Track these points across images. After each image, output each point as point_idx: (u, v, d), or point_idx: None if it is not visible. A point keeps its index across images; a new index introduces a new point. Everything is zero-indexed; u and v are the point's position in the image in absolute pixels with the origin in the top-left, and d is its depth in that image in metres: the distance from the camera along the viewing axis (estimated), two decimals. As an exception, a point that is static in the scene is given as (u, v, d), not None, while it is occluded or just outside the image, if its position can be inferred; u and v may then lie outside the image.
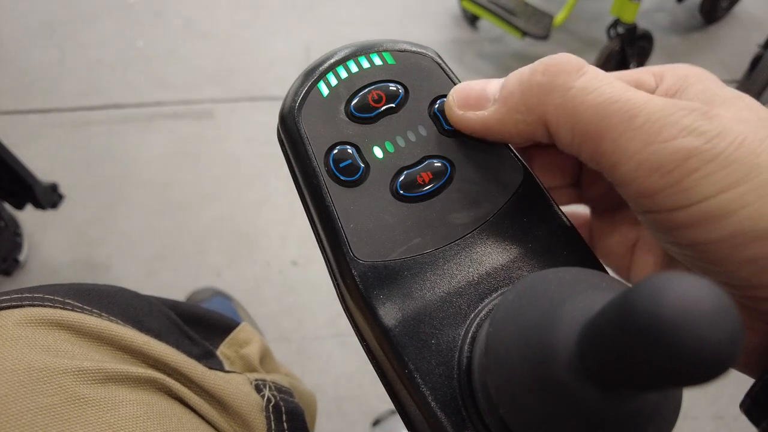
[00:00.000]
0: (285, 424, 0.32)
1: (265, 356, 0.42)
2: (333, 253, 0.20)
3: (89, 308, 0.29)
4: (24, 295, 0.27)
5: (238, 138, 1.27)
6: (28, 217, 1.08)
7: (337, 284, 0.21)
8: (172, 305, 0.36)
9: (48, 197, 0.87)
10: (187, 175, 1.21)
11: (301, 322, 0.99)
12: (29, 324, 0.25)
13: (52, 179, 1.22)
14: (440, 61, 0.23)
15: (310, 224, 0.22)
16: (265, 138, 1.26)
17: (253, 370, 0.38)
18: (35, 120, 1.33)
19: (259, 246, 1.08)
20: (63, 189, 1.18)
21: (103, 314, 0.29)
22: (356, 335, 0.21)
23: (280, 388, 0.36)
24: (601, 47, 1.31)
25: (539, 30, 1.26)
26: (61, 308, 0.27)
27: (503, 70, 1.33)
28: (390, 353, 0.18)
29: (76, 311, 0.28)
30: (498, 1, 1.34)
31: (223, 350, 0.38)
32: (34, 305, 0.27)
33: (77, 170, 1.22)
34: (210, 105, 1.35)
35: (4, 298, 0.27)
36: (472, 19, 1.52)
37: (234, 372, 0.35)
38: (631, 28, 1.23)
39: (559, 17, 1.32)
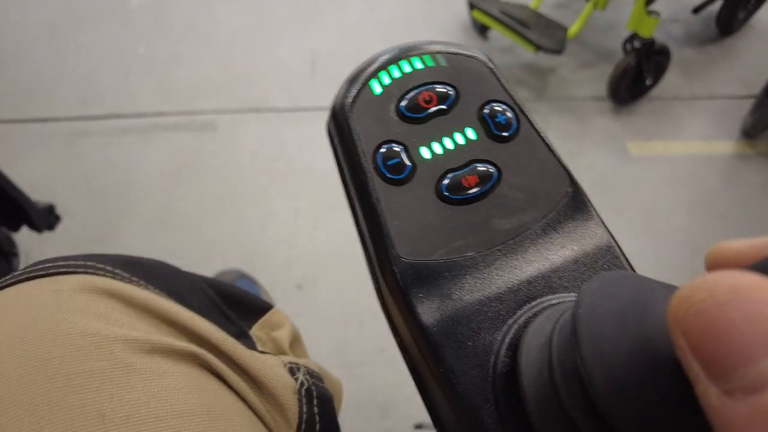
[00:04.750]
0: (315, 408, 0.33)
1: (295, 341, 0.43)
2: (375, 249, 0.20)
3: (136, 279, 0.29)
4: (79, 263, 0.28)
5: (241, 152, 1.23)
6: (24, 232, 1.05)
7: (376, 280, 0.21)
8: (211, 283, 0.37)
9: (44, 219, 0.84)
10: (188, 191, 1.17)
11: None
12: (84, 291, 0.26)
13: (49, 192, 1.19)
14: (492, 66, 0.23)
15: (354, 220, 0.22)
16: (269, 153, 1.23)
17: (283, 353, 0.39)
18: (33, 129, 1.30)
19: (263, 267, 1.05)
20: (60, 203, 1.15)
21: (149, 286, 0.30)
22: (391, 331, 0.21)
23: (312, 373, 0.36)
24: (617, 61, 1.27)
25: (553, 44, 1.22)
26: (111, 278, 0.28)
27: (514, 83, 1.29)
28: (426, 351, 0.18)
29: (125, 282, 0.28)
30: (510, 11, 1.30)
31: (255, 331, 0.39)
32: (87, 273, 0.28)
33: (75, 183, 1.19)
34: (212, 116, 1.31)
35: (61, 263, 0.28)
36: (482, 29, 1.48)
37: (268, 353, 0.35)
38: (649, 43, 1.19)
39: (573, 29, 1.29)
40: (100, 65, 1.45)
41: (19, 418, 0.21)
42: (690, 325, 0.10)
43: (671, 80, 1.36)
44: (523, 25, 1.26)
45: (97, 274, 0.28)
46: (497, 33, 1.43)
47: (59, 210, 1.09)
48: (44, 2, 1.65)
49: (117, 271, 0.29)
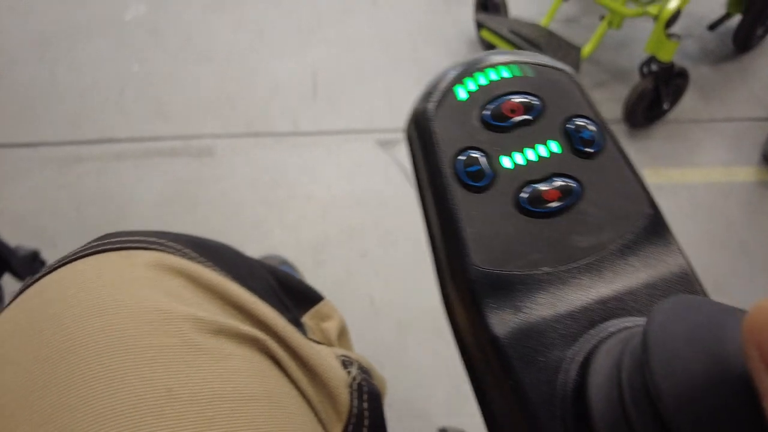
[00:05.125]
0: (365, 404, 0.33)
1: (342, 334, 0.43)
2: (448, 255, 0.20)
3: (204, 260, 0.29)
4: (151, 239, 0.29)
5: (239, 180, 1.18)
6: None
7: (445, 286, 0.21)
8: (270, 270, 0.37)
9: (27, 267, 0.78)
10: (184, 223, 1.12)
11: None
12: (156, 267, 0.26)
13: (37, 224, 1.13)
14: (578, 81, 0.22)
15: (426, 225, 0.22)
16: (268, 180, 1.17)
17: (331, 344, 0.39)
18: (23, 155, 1.24)
19: (263, 307, 0.99)
20: (49, 235, 1.10)
21: (216, 268, 0.30)
22: (455, 339, 0.21)
23: (363, 368, 0.36)
24: (631, 81, 1.22)
25: (567, 65, 1.17)
26: (182, 257, 0.28)
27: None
28: (495, 362, 0.18)
29: (195, 262, 0.29)
30: (520, 30, 1.24)
31: (306, 320, 0.39)
32: (159, 250, 0.28)
33: (66, 213, 1.13)
34: (210, 141, 1.25)
35: (135, 239, 0.28)
36: (489, 48, 1.42)
37: (322, 344, 0.35)
38: (668, 67, 1.13)
39: (587, 48, 1.23)
40: (93, 84, 1.39)
41: (98, 382, 0.21)
42: (766, 337, 0.10)
43: (688, 101, 1.30)
44: (534, 45, 1.20)
45: (169, 252, 0.28)
46: (506, 51, 1.37)
47: (47, 242, 1.04)
48: (36, 15, 1.60)
49: (187, 250, 0.29)
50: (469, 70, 0.22)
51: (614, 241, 0.20)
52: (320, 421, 0.29)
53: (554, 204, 0.20)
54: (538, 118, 0.21)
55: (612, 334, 0.18)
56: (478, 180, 0.20)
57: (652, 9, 1.10)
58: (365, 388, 0.33)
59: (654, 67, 1.15)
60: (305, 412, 0.28)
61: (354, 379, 0.33)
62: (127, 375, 0.22)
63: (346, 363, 0.34)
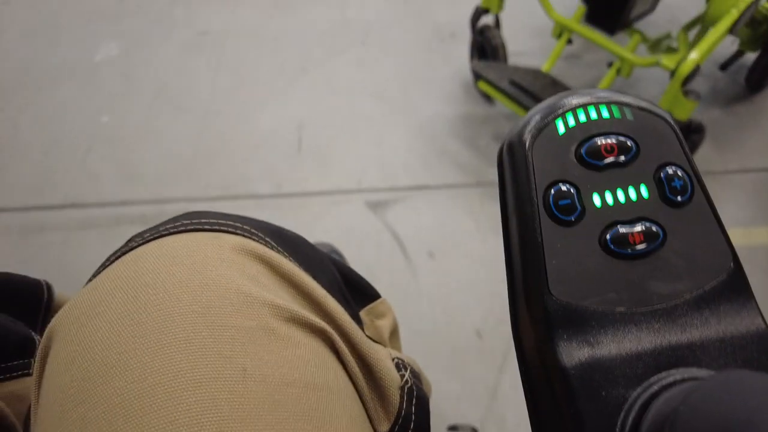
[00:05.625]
0: (413, 408, 0.33)
1: (394, 333, 0.44)
2: (526, 282, 0.21)
3: (282, 249, 0.31)
4: (237, 224, 0.30)
5: (217, 252, 1.08)
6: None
7: (516, 311, 0.22)
8: (336, 264, 0.38)
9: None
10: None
11: None
12: (241, 252, 0.28)
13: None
14: (676, 129, 0.23)
15: (505, 247, 0.23)
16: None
17: (383, 341, 0.40)
18: (-22, 224, 1.13)
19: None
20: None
21: (292, 259, 0.31)
22: (519, 363, 0.21)
23: (414, 373, 0.36)
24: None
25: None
26: (264, 245, 0.30)
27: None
28: (559, 391, 0.19)
29: (274, 250, 0.30)
30: (520, 81, 1.14)
31: (362, 315, 0.40)
32: (245, 236, 0.30)
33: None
34: (184, 205, 1.15)
35: (224, 221, 0.30)
36: (487, 96, 1.32)
37: (379, 344, 0.36)
38: (684, 126, 1.04)
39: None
40: (58, 139, 1.28)
41: (182, 352, 0.22)
42: None
43: (700, 150, 1.21)
44: (536, 98, 1.11)
45: (253, 239, 0.30)
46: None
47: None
48: (-1, 58, 1.49)
49: (268, 239, 0.31)
50: (572, 106, 0.22)
51: (692, 291, 0.20)
52: (369, 416, 0.30)
53: (638, 247, 0.20)
54: (631, 161, 0.21)
55: (676, 382, 0.18)
56: (567, 214, 0.21)
57: (668, 61, 1.00)
58: (415, 392, 0.34)
59: (667, 123, 1.05)
60: (358, 406, 0.29)
61: (406, 382, 0.34)
62: (208, 350, 0.23)
63: (399, 365, 0.35)
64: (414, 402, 0.34)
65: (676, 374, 0.18)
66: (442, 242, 1.09)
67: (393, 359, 0.35)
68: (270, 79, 1.41)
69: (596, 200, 0.21)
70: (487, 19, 1.32)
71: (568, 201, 0.21)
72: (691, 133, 1.09)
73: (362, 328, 0.37)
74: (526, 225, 0.21)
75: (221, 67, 1.45)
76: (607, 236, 0.20)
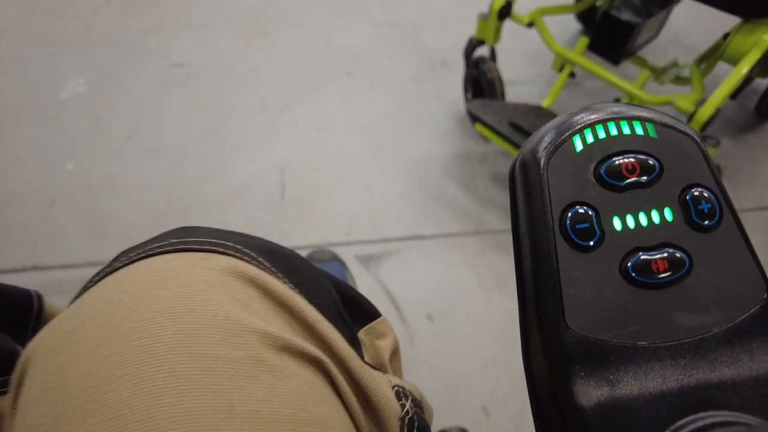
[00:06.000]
0: None
1: (395, 353, 0.42)
2: (540, 312, 0.19)
3: (276, 271, 0.30)
4: (229, 244, 0.29)
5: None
6: None
7: (529, 341, 0.20)
8: (334, 282, 0.37)
9: None
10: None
11: None
12: (230, 274, 0.27)
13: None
14: (703, 147, 0.21)
15: (517, 273, 0.21)
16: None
17: (382, 363, 0.39)
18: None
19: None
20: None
21: (286, 280, 0.30)
22: (530, 395, 0.20)
23: (415, 401, 0.35)
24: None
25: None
26: (255, 265, 0.29)
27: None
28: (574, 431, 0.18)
29: (266, 271, 0.29)
30: (519, 122, 1.05)
31: (360, 335, 0.38)
32: (236, 257, 0.28)
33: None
34: (157, 265, 1.05)
35: (214, 241, 0.29)
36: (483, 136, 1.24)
37: (378, 370, 0.35)
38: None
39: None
40: (19, 190, 1.18)
41: (164, 386, 0.21)
42: None
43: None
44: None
45: (244, 260, 0.28)
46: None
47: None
48: (-44, 98, 1.38)
49: (261, 259, 0.30)
50: (590, 121, 0.20)
51: (721, 324, 0.18)
52: None
53: (661, 276, 0.19)
54: (654, 182, 0.20)
55: (707, 428, 0.16)
56: (585, 239, 0.19)
57: (683, 102, 0.91)
58: (416, 423, 0.33)
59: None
60: None
61: (407, 412, 0.33)
62: (193, 383, 0.22)
63: (400, 394, 0.34)
64: None
65: (706, 418, 0.17)
66: (441, 302, 0.99)
67: (393, 387, 0.34)
68: (249, 116, 1.31)
69: (617, 224, 0.20)
70: (481, 51, 1.23)
71: (587, 224, 0.19)
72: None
73: (361, 350, 0.37)
74: (541, 250, 0.19)
75: (197, 104, 1.34)
76: (629, 264, 0.19)
